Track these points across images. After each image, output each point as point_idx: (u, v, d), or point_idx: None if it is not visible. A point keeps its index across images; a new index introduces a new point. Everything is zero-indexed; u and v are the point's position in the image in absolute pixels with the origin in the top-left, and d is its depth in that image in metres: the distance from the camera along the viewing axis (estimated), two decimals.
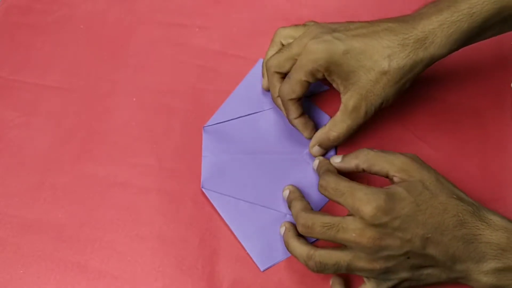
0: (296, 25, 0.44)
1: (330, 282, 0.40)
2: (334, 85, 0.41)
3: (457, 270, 0.35)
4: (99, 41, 0.51)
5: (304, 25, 0.44)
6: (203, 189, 0.43)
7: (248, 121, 0.46)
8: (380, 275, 0.36)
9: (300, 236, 0.39)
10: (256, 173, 0.44)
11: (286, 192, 0.42)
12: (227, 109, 0.46)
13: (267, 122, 0.46)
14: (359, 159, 0.38)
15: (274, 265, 0.41)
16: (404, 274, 0.36)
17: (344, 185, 0.36)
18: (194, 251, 0.42)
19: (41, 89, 0.48)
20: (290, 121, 0.43)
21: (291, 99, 0.41)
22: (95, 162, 0.45)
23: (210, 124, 0.46)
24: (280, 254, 0.41)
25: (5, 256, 0.41)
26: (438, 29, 0.38)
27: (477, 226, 0.34)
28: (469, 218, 0.35)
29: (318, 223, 0.36)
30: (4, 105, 0.48)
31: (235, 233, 0.42)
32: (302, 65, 0.40)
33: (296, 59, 0.40)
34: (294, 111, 0.42)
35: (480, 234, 0.34)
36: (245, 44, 0.50)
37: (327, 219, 0.36)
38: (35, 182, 0.44)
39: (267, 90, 0.46)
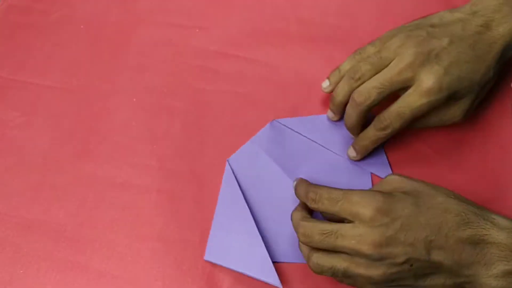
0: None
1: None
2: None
3: (464, 275, 0.33)
4: (99, 41, 0.51)
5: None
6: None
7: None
8: (379, 284, 0.34)
9: None
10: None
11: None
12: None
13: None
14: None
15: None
16: (406, 283, 0.34)
17: (337, 192, 0.34)
18: (194, 251, 0.41)
19: (41, 89, 0.48)
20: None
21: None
22: (95, 162, 0.45)
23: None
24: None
25: (5, 256, 0.41)
26: None
27: (482, 226, 0.32)
28: (473, 217, 0.33)
29: (316, 231, 0.34)
30: (4, 105, 0.48)
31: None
32: (415, 108, 0.38)
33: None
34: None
35: (486, 234, 0.32)
36: (245, 44, 0.50)
37: (325, 226, 0.34)
38: (35, 182, 0.44)
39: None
